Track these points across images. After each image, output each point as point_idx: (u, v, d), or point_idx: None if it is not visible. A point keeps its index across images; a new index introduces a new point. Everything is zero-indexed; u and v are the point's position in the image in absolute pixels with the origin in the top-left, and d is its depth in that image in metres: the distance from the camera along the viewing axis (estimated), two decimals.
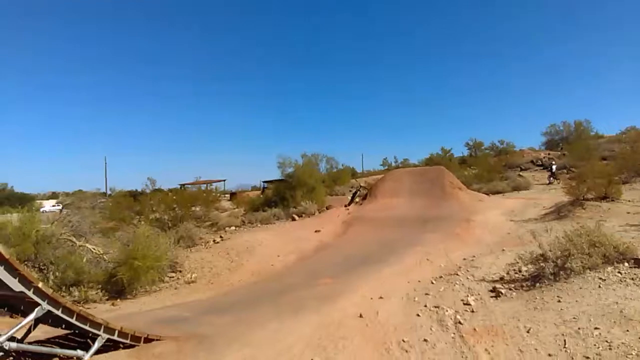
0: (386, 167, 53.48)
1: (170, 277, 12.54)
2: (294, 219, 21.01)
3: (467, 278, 8.88)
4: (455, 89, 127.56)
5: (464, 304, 7.39)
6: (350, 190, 33.22)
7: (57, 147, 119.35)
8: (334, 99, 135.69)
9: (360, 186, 30.76)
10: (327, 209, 22.82)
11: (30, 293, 4.65)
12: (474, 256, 10.94)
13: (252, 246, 15.31)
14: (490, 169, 33.58)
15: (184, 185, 46.12)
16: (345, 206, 22.99)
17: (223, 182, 58.49)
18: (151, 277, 11.14)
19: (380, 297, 8.36)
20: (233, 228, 20.46)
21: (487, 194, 24.04)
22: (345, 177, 40.62)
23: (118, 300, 10.61)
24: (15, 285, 4.52)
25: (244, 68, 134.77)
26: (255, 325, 7.33)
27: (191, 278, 12.40)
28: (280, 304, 8.70)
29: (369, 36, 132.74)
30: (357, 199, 24.65)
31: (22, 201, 37.88)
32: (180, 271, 12.98)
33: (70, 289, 10.14)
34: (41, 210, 25.59)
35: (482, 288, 8.07)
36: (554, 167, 30.69)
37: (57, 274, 10.34)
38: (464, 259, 10.83)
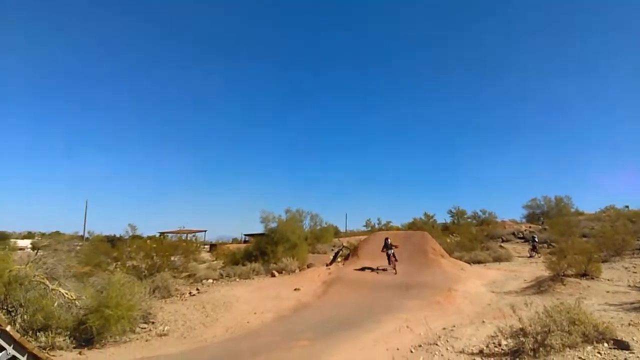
0: (369, 228, 53.50)
1: (142, 328, 12.13)
2: (273, 275, 20.71)
3: (447, 349, 8.72)
4: (439, 160, 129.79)
5: None
6: (332, 250, 33.09)
7: (36, 185, 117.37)
8: (320, 157, 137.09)
9: (343, 246, 30.65)
10: (307, 267, 22.61)
11: None
12: (454, 326, 10.78)
13: (229, 301, 14.99)
14: (473, 238, 33.78)
15: (163, 233, 45.45)
16: (327, 265, 22.78)
17: (204, 232, 57.85)
18: (122, 326, 10.76)
19: None
20: (211, 281, 20.07)
21: (469, 263, 24.10)
22: (328, 236, 40.52)
23: (85, 349, 10.17)
24: None
25: (229, 124, 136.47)
26: None
27: (163, 330, 12.00)
28: None
29: (357, 99, 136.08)
30: (339, 259, 24.48)
31: None
32: (152, 322, 12.58)
33: (38, 333, 9.75)
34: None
35: None
36: (536, 240, 30.96)
37: (25, 317, 9.96)
38: (444, 328, 10.67)
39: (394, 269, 19.65)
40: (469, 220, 49.53)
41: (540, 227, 39.98)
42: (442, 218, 51.94)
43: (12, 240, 43.92)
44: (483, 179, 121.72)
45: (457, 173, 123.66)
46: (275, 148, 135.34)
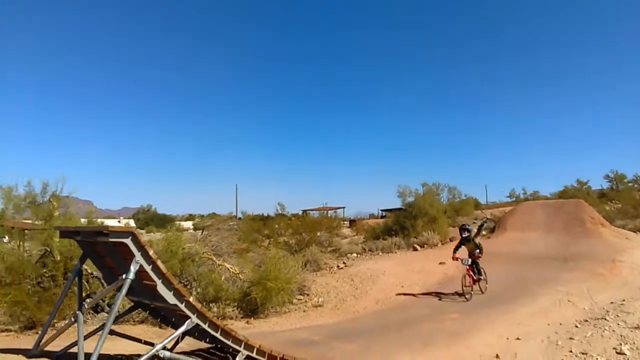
0: (514, 199, 50.42)
1: (298, 300, 12.95)
2: (415, 249, 20.64)
3: (618, 324, 8.01)
4: (593, 118, 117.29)
5: (617, 352, 6.67)
6: (474, 222, 31.88)
7: (193, 172, 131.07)
8: (454, 128, 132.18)
9: (487, 218, 29.40)
10: (450, 240, 22.09)
11: (182, 306, 5.01)
12: (623, 300, 9.86)
13: (375, 274, 15.26)
14: (637, 203, 30.23)
15: (306, 211, 47.46)
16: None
17: (342, 209, 59.26)
18: (281, 298, 11.60)
19: (517, 338, 7.86)
20: (355, 255, 20.60)
21: (634, 232, 21.71)
22: (469, 208, 38.94)
23: (252, 318, 11.19)
24: (170, 298, 4.90)
25: (368, 102, 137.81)
26: (384, 356, 7.29)
27: (318, 302, 12.68)
28: (407, 335, 8.57)
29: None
30: (483, 232, 23.56)
31: (163, 222, 41.79)
32: (307, 294, 13.34)
33: (210, 304, 10.89)
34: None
35: (638, 337, 7.23)
36: None
37: (198, 289, 11.18)
38: (612, 302, 9.81)
39: (464, 293, 11.82)
40: (631, 185, 44.20)
41: None
42: (598, 184, 47.02)
43: (177, 222, 49.41)
44: None
45: (612, 133, 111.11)
46: (408, 122, 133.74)
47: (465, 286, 11.86)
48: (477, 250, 12.55)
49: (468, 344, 7.71)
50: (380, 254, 20.54)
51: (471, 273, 12.21)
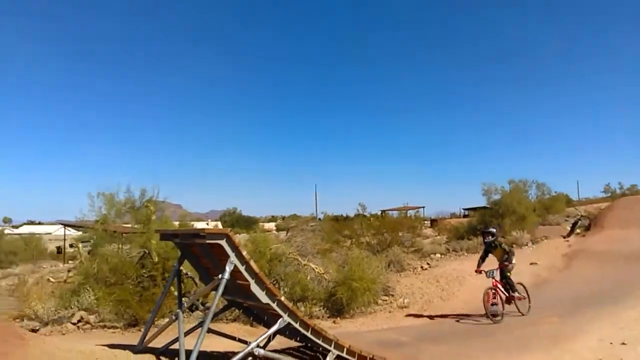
0: (609, 195, 46.95)
1: (383, 300, 12.85)
2: None
3: None
4: None
5: None
6: (566, 220, 30.20)
7: (274, 174, 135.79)
8: (542, 121, 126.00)
9: (581, 215, 27.71)
10: (541, 239, 21.07)
11: (274, 305, 5.14)
12: None
13: (461, 276, 14.79)
14: None
15: (385, 211, 46.99)
16: (564, 237, 20.95)
17: (422, 208, 58.06)
18: (367, 298, 11.59)
19: (623, 343, 7.29)
20: (438, 255, 20.14)
21: None
22: (560, 205, 36.82)
23: (338, 318, 11.29)
24: (262, 297, 5.04)
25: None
26: (476, 359, 7.06)
27: (403, 303, 12.53)
28: (500, 339, 8.26)
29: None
30: (578, 230, 22.26)
31: (248, 223, 43.33)
32: (392, 295, 13.20)
33: (297, 304, 11.10)
34: None
35: None
36: None
37: (286, 289, 11.45)
38: None
39: (487, 313, 9.66)
40: None
41: None
42: None
43: (260, 223, 50.94)
44: None
45: None
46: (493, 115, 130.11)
47: (490, 304, 9.66)
48: (506, 258, 10.29)
49: (567, 349, 7.27)
50: (466, 254, 19.94)
51: (500, 288, 10.06)
